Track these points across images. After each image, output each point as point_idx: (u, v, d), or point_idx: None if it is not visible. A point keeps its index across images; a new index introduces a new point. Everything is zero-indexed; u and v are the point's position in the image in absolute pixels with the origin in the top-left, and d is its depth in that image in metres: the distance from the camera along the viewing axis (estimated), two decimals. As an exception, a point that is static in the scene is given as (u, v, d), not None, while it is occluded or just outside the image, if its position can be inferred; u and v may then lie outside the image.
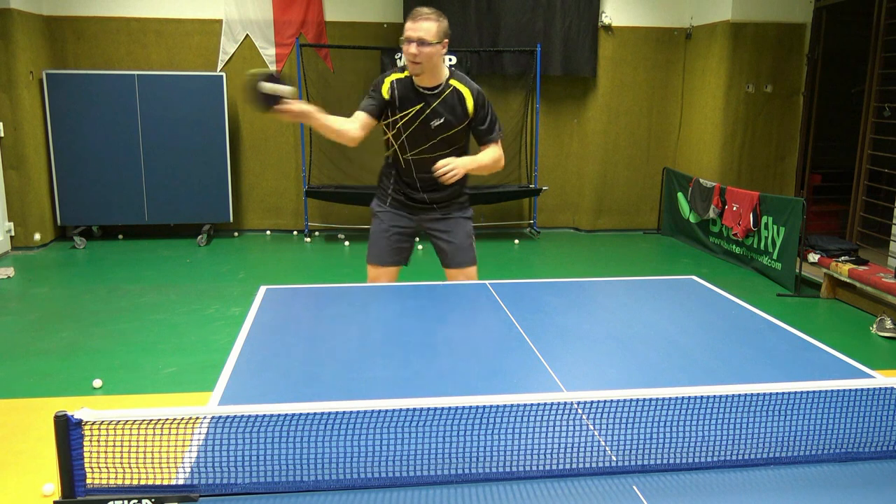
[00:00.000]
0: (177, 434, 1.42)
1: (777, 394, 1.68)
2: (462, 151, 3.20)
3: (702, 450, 1.54)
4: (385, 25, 7.46)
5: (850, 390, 1.70)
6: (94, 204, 7.03)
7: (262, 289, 2.85)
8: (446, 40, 3.01)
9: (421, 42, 2.91)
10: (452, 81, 3.09)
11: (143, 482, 1.40)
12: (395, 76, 3.10)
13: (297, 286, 3.01)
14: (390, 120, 3.13)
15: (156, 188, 7.11)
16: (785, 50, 7.20)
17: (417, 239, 3.41)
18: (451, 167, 2.96)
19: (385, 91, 3.08)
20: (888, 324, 4.63)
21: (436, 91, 3.07)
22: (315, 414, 1.55)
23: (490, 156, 3.17)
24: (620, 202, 8.13)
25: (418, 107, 3.07)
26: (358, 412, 1.60)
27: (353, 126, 3.01)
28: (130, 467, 1.40)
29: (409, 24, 2.95)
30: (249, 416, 1.52)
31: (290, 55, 7.40)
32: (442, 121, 3.08)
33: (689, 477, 1.49)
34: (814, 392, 1.67)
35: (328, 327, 2.42)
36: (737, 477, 1.49)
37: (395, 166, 3.25)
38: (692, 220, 7.32)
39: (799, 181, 7.46)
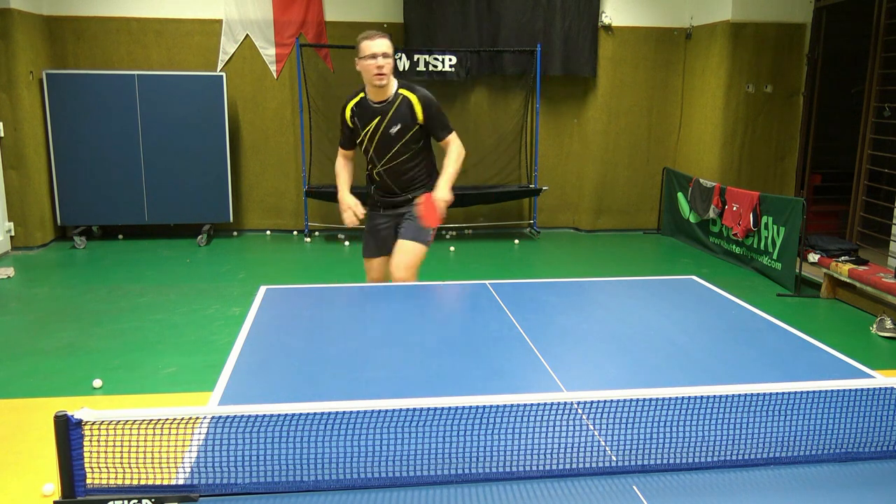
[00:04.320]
0: (177, 434, 1.43)
1: (777, 394, 1.68)
2: (426, 146, 3.55)
3: (702, 450, 1.54)
4: (385, 25, 7.46)
5: (850, 390, 1.70)
6: (94, 204, 7.03)
7: (262, 289, 2.86)
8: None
9: (385, 55, 3.27)
10: (401, 91, 3.41)
11: (143, 482, 1.40)
12: (352, 103, 3.49)
13: (297, 286, 3.02)
14: (358, 140, 3.54)
15: (156, 188, 7.11)
16: (785, 50, 7.20)
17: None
18: (438, 207, 3.36)
19: (348, 119, 3.51)
20: (888, 324, 4.63)
21: (387, 102, 3.40)
22: (315, 414, 1.55)
23: (453, 157, 3.49)
24: (620, 202, 8.13)
25: (375, 121, 3.40)
26: (358, 412, 1.60)
27: (348, 164, 3.68)
28: (130, 467, 1.40)
29: (368, 44, 3.28)
30: (249, 416, 1.52)
31: (290, 55, 7.40)
32: (398, 127, 3.40)
33: (689, 477, 1.49)
34: (814, 392, 1.67)
35: (328, 327, 2.42)
36: (737, 477, 1.49)
37: (371, 179, 3.64)
38: (692, 220, 7.32)
39: (799, 181, 7.46)
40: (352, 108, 3.47)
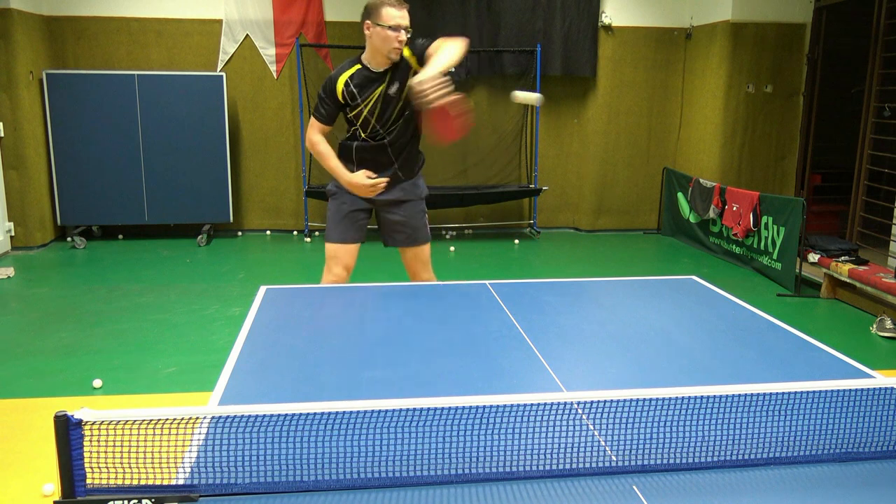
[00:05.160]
0: (177, 434, 1.43)
1: (777, 394, 1.68)
2: (417, 126, 3.35)
3: (702, 450, 1.54)
4: (385, 25, 7.45)
5: (850, 390, 1.70)
6: (94, 204, 7.03)
7: (262, 289, 2.85)
8: None
9: (406, 29, 3.10)
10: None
11: (143, 482, 1.40)
12: (345, 76, 3.20)
13: (297, 286, 3.01)
14: (354, 113, 3.25)
15: (156, 188, 7.11)
16: (785, 50, 7.20)
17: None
18: (428, 85, 2.84)
19: (340, 94, 3.21)
20: (888, 324, 4.63)
21: (389, 66, 3.19)
22: (315, 414, 1.55)
23: (440, 46, 3.07)
24: (620, 202, 8.13)
25: (379, 88, 3.19)
26: (358, 412, 1.60)
27: (325, 142, 3.30)
28: (130, 467, 1.40)
29: (394, 13, 3.07)
30: (249, 416, 1.52)
31: (290, 55, 7.40)
32: (397, 86, 3.19)
33: (689, 477, 1.49)
34: (814, 392, 1.67)
35: (328, 327, 2.42)
36: (737, 477, 1.49)
37: (364, 152, 3.32)
38: (692, 220, 7.32)
39: (799, 181, 7.46)
40: (345, 83, 3.18)
